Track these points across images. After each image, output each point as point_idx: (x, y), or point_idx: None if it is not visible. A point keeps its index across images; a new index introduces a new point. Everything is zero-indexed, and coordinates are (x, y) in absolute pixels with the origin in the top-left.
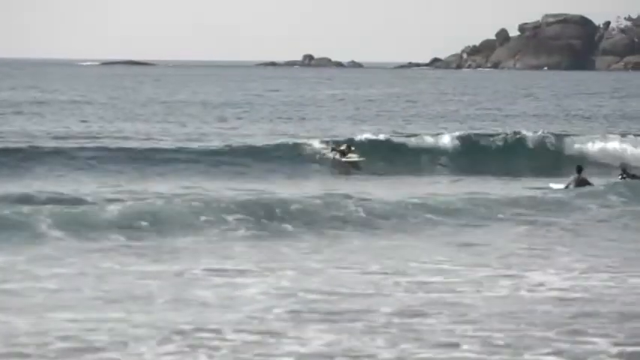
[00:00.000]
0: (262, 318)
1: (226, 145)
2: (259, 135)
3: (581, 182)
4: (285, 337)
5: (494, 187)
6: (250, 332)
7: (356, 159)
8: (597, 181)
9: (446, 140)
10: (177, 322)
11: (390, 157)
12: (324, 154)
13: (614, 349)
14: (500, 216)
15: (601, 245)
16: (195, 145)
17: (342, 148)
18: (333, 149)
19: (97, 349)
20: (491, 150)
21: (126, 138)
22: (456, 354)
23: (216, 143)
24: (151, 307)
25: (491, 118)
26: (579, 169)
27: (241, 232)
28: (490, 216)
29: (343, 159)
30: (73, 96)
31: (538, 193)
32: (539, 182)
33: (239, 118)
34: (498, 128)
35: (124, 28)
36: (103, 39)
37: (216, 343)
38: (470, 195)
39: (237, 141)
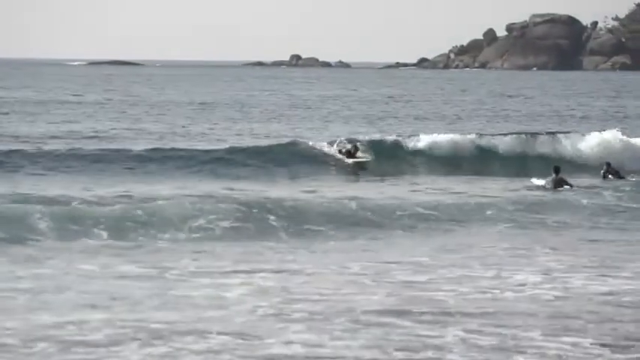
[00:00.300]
0: (245, 319)
1: (232, 146)
2: (261, 135)
3: (559, 182)
4: (268, 338)
5: (479, 187)
6: (233, 334)
7: (362, 159)
8: (582, 181)
9: (439, 140)
10: (160, 322)
11: (386, 157)
12: (331, 155)
13: (597, 350)
14: (484, 215)
15: (581, 245)
16: (198, 146)
17: (349, 147)
18: (339, 151)
19: (79, 351)
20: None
21: (115, 138)
22: (440, 354)
23: (217, 144)
24: (134, 308)
25: (499, 118)
26: (557, 170)
27: (226, 232)
28: (473, 216)
29: (349, 160)
30: (64, 95)
31: (520, 193)
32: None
33: (237, 119)
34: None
35: (110, 28)
36: (89, 39)
37: (198, 345)
38: (454, 195)
39: (240, 141)
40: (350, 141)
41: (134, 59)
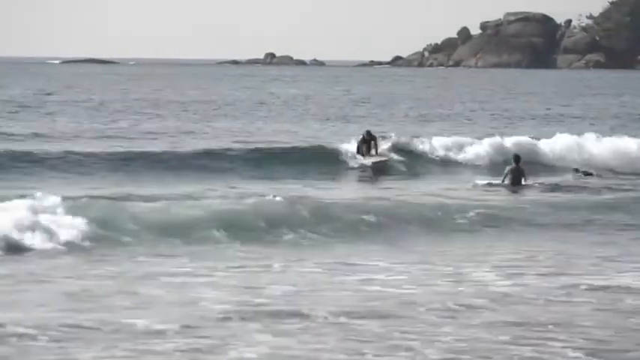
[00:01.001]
0: (210, 320)
1: (248, 148)
2: (279, 135)
3: (517, 172)
4: (232, 340)
5: (446, 188)
6: (197, 336)
7: (381, 158)
8: (552, 179)
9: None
10: (123, 323)
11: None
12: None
13: (566, 351)
14: (444, 215)
15: (539, 244)
16: (213, 146)
17: (363, 136)
18: (358, 148)
19: (40, 351)
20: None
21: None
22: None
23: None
24: (98, 307)
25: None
26: (517, 159)
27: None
28: (435, 216)
29: (366, 160)
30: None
31: (478, 192)
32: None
33: (236, 117)
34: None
35: (85, 26)
36: (64, 37)
37: (161, 346)
38: (417, 197)
39: (250, 141)
40: (367, 134)
41: (108, 58)
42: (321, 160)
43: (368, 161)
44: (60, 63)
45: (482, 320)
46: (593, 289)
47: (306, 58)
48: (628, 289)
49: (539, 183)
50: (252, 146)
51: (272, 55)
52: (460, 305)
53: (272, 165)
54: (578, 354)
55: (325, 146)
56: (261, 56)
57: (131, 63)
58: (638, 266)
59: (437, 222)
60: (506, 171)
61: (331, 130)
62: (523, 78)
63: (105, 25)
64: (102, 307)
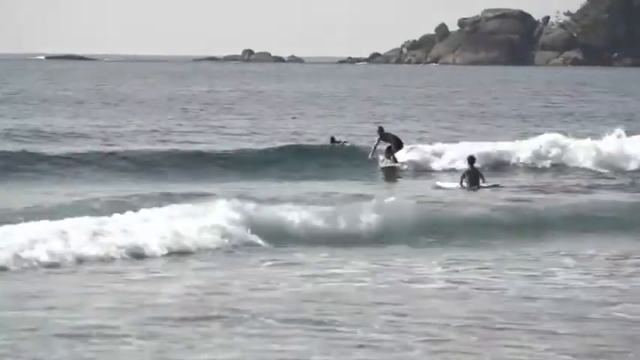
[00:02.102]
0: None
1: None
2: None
3: (474, 174)
4: (183, 340)
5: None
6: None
7: (394, 164)
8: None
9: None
10: (76, 325)
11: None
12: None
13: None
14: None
15: (472, 244)
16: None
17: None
18: (384, 153)
19: None
20: None
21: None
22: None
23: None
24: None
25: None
26: (471, 160)
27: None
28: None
29: (383, 163)
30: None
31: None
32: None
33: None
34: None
35: (63, 23)
36: (50, 34)
37: (114, 346)
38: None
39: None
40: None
41: (85, 54)
42: None
43: (383, 164)
44: (43, 59)
45: None
46: None
47: (284, 54)
48: None
49: (494, 185)
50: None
51: (250, 52)
52: None
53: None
54: None
55: None
56: (239, 53)
57: (107, 60)
58: None
59: None
60: (462, 173)
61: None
62: (524, 77)
63: (84, 22)
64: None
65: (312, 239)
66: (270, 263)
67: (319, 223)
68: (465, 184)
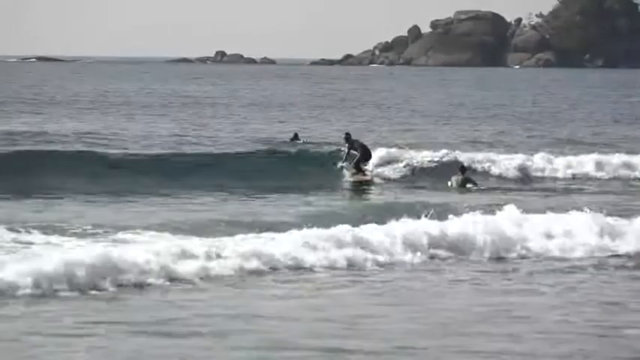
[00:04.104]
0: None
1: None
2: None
3: (465, 182)
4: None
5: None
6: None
7: (366, 178)
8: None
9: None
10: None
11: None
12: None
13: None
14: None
15: None
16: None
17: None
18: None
19: None
20: None
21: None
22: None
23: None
24: None
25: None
26: (463, 169)
27: None
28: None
29: (352, 177)
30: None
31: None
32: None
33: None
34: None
35: (34, 24)
36: (24, 36)
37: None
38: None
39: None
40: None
41: (55, 55)
42: None
43: (352, 178)
44: (17, 61)
45: None
46: None
47: (257, 56)
48: None
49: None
50: None
51: (222, 54)
52: None
53: None
54: None
55: None
56: (212, 54)
57: (77, 61)
58: None
59: None
60: (452, 181)
61: None
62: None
63: (58, 24)
64: None
65: None
66: None
67: None
68: (454, 185)
